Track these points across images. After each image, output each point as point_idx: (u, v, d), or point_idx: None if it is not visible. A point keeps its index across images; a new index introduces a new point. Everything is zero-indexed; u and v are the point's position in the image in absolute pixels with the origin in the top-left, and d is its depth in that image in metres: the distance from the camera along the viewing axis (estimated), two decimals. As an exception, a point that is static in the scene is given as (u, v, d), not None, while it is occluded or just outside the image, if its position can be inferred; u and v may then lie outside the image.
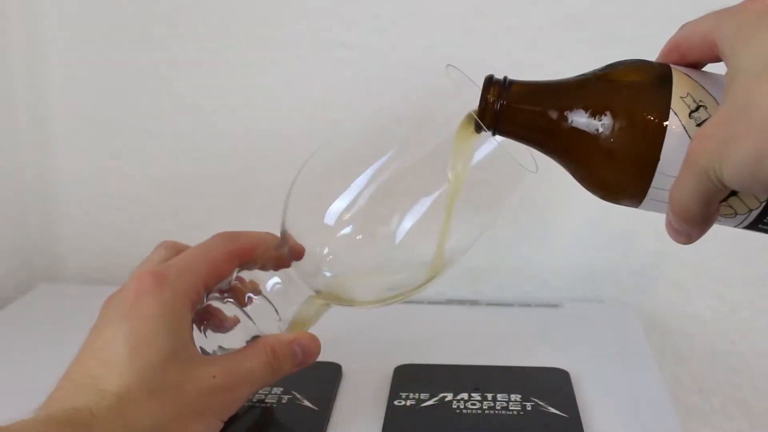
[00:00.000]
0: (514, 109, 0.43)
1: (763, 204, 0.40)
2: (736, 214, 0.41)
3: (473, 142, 0.45)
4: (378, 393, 0.56)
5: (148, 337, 0.42)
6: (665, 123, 0.39)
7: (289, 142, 0.76)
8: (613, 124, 0.40)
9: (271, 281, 0.48)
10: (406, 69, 0.73)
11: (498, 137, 0.43)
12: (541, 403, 0.53)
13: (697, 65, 0.42)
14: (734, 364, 0.77)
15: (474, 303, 0.74)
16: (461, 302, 0.74)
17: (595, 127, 0.41)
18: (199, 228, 0.79)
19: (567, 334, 0.67)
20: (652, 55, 0.70)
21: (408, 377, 0.57)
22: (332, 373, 0.57)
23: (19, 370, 0.61)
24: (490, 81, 0.43)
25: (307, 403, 0.54)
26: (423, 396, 0.54)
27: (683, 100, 0.39)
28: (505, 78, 0.43)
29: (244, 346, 0.47)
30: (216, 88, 0.76)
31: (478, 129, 0.44)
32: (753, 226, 0.41)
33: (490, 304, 0.74)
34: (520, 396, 0.54)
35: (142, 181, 0.79)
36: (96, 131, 0.78)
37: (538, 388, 0.55)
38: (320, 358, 0.49)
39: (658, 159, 0.39)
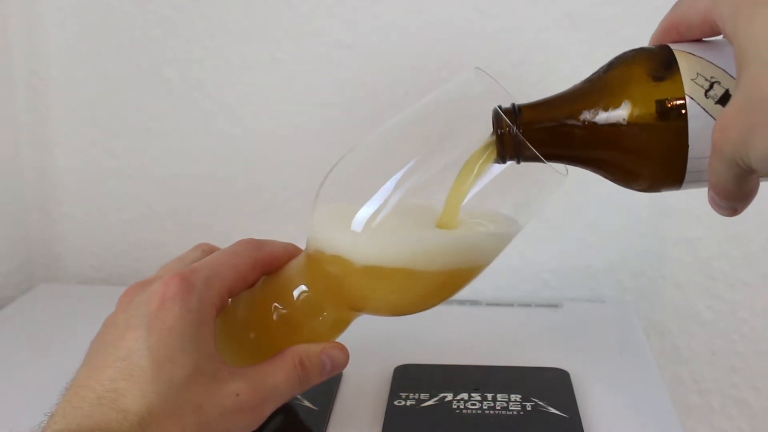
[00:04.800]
0: (533, 132, 0.42)
1: None
2: None
3: (487, 167, 0.44)
4: (378, 393, 0.56)
5: (174, 351, 0.41)
6: (684, 110, 0.39)
7: (289, 143, 0.76)
8: (634, 124, 0.40)
9: (298, 290, 0.48)
10: (406, 69, 0.73)
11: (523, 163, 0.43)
12: (541, 403, 0.53)
13: (698, 39, 0.41)
14: (734, 364, 0.77)
15: (474, 303, 0.74)
16: (461, 302, 0.74)
17: (616, 130, 0.40)
18: (199, 228, 0.79)
19: (567, 334, 0.67)
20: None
21: (408, 377, 0.57)
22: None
23: (20, 370, 0.61)
24: (499, 112, 0.43)
25: (307, 403, 0.54)
26: (423, 396, 0.54)
27: (695, 82, 0.39)
28: (514, 105, 0.43)
29: (271, 358, 0.46)
30: (216, 88, 0.76)
31: (502, 161, 0.43)
32: None
33: (490, 304, 0.74)
34: (520, 396, 0.54)
35: (142, 181, 0.79)
36: (96, 131, 0.78)
37: (538, 388, 0.55)
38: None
39: (687, 146, 0.39)
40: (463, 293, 0.76)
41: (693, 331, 0.77)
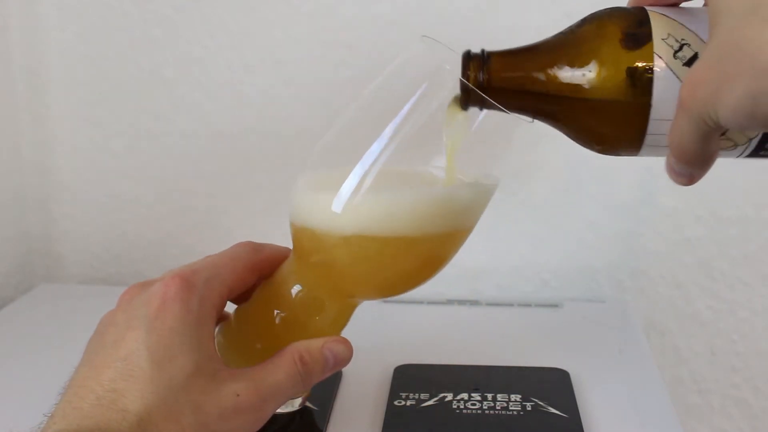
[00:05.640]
0: (498, 80, 0.42)
1: (762, 132, 0.40)
2: (736, 146, 0.40)
3: (464, 119, 0.44)
4: (378, 393, 0.56)
5: (173, 351, 0.41)
6: (651, 68, 0.39)
7: (289, 143, 0.76)
8: (600, 78, 0.40)
9: (293, 289, 0.48)
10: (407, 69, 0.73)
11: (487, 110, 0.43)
12: (541, 403, 0.53)
13: (675, 2, 0.42)
14: (734, 364, 0.77)
15: (474, 303, 0.74)
16: (461, 302, 0.74)
17: (582, 83, 0.40)
18: (199, 228, 0.79)
19: (567, 334, 0.67)
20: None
21: (408, 377, 0.57)
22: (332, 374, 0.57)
23: (19, 370, 0.61)
24: (468, 57, 0.42)
25: (307, 403, 0.53)
26: (423, 396, 0.54)
27: (665, 42, 0.39)
28: (483, 51, 0.43)
29: (271, 357, 0.45)
30: (216, 88, 0.76)
31: (465, 107, 0.43)
32: (754, 154, 0.41)
33: (490, 304, 0.74)
34: (520, 396, 0.54)
35: (142, 181, 0.79)
36: (96, 131, 0.78)
37: (538, 388, 0.55)
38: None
39: (650, 105, 0.39)
40: (463, 293, 0.77)
41: (693, 331, 0.77)
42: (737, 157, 0.42)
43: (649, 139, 0.40)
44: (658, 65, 0.39)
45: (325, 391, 0.55)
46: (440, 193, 0.45)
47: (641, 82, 0.39)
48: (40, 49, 0.77)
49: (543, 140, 0.44)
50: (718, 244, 0.74)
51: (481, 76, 0.42)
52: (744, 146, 0.41)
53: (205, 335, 0.43)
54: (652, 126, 0.40)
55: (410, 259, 0.47)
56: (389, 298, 0.73)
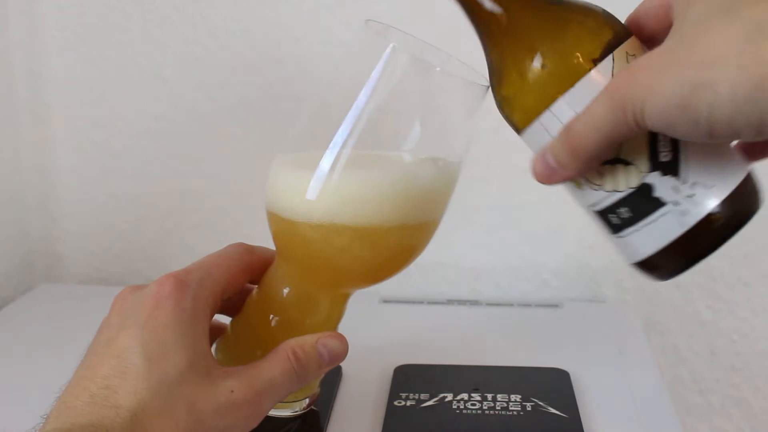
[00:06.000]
0: None
1: (630, 190, 0.40)
2: (599, 188, 0.41)
3: None
4: (378, 393, 0.56)
5: (166, 348, 0.41)
6: (599, 60, 0.39)
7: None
8: (558, 43, 0.40)
9: (283, 290, 0.48)
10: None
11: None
12: (541, 403, 0.54)
13: (655, 36, 0.42)
14: (734, 364, 0.77)
15: (474, 303, 0.74)
16: (461, 302, 0.74)
17: (543, 39, 0.40)
18: (199, 228, 0.79)
19: (567, 334, 0.67)
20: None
21: (408, 377, 0.57)
22: (332, 374, 0.57)
23: (19, 370, 0.61)
24: None
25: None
26: (423, 396, 0.54)
27: (627, 54, 0.40)
28: None
29: (267, 354, 0.45)
30: (215, 88, 0.76)
31: None
32: (605, 212, 0.42)
33: (490, 304, 0.74)
34: (520, 396, 0.54)
35: (142, 181, 0.79)
36: (96, 131, 0.78)
37: (538, 388, 0.55)
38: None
39: (571, 86, 0.39)
40: (463, 293, 0.77)
41: (693, 331, 0.77)
42: (588, 206, 0.42)
43: (545, 117, 0.40)
44: (605, 63, 0.39)
45: (325, 391, 0.55)
46: (406, 170, 0.45)
47: (581, 63, 0.39)
48: (40, 49, 0.77)
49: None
50: (718, 244, 0.74)
51: None
52: (605, 196, 0.41)
53: (198, 333, 0.43)
54: (558, 106, 0.40)
55: (387, 242, 0.46)
56: (389, 298, 0.73)
